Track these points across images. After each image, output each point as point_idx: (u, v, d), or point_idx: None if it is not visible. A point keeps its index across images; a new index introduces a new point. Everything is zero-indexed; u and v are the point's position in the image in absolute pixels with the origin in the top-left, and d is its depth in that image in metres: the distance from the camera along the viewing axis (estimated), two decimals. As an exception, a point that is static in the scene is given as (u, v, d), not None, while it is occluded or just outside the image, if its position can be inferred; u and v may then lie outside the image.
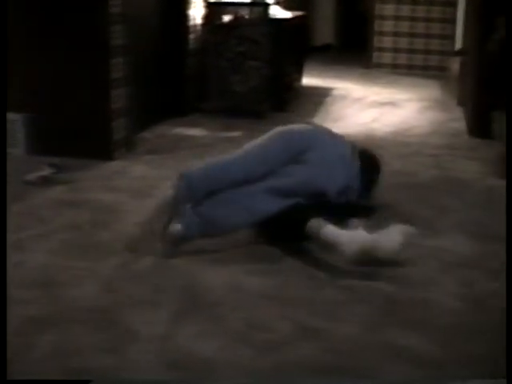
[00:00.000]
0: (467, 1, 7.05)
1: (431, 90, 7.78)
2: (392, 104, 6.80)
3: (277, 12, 6.39)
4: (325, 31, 11.22)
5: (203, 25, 6.09)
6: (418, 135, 5.44)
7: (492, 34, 4.78)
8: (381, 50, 9.47)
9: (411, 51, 9.36)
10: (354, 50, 10.11)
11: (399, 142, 5.17)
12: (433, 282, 2.85)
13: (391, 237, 2.82)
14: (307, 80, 7.70)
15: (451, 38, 8.83)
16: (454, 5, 8.79)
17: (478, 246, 3.23)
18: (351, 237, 2.84)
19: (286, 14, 6.59)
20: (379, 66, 9.45)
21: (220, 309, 2.59)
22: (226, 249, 3.13)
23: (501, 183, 4.18)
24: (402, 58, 9.41)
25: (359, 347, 2.36)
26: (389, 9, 9.35)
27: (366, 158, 3.53)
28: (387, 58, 9.46)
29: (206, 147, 4.88)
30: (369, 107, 6.64)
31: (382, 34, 9.44)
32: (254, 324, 2.49)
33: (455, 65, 7.36)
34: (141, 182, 4.05)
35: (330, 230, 2.90)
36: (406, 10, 9.30)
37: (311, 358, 2.28)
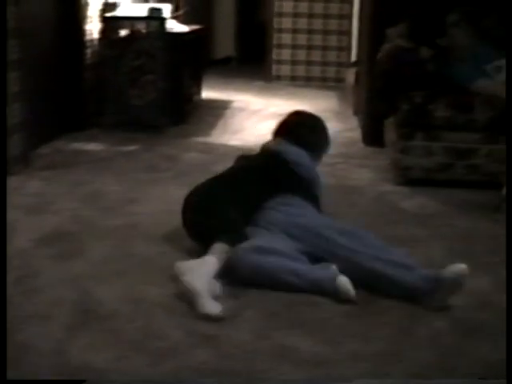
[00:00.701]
0: (360, 13, 7.25)
1: (328, 101, 7.95)
2: (290, 115, 6.90)
3: (173, 26, 6.44)
4: (225, 44, 11.31)
5: (100, 39, 6.08)
6: (314, 145, 5.55)
7: (382, 45, 4.93)
8: (280, 62, 9.61)
9: (309, 63, 9.54)
10: (254, 63, 10.22)
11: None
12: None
13: None
14: (207, 93, 7.76)
15: (347, 49, 9.06)
16: (349, 17, 9.02)
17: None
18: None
19: (183, 28, 6.64)
20: (278, 78, 9.59)
21: (115, 320, 2.61)
22: (121, 261, 3.14)
23: (392, 189, 4.35)
24: (301, 70, 9.58)
25: (250, 351, 2.42)
26: (286, 22, 9.51)
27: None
28: (286, 70, 9.61)
29: (103, 162, 4.87)
30: (267, 119, 6.73)
31: (280, 46, 9.59)
32: (150, 333, 2.51)
33: (351, 76, 7.55)
34: (37, 199, 4.02)
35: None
36: (303, 22, 9.48)
37: (205, 364, 2.32)
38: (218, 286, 2.79)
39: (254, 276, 2.88)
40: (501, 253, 3.39)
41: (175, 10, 6.83)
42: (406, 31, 4.91)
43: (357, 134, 5.84)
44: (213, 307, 2.63)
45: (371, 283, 2.87)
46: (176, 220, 3.42)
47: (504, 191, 3.97)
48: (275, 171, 3.45)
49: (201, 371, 2.29)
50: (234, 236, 3.01)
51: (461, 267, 2.76)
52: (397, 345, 2.52)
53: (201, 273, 2.77)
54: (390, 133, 4.73)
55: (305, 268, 2.91)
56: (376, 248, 2.96)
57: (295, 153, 3.53)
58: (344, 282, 2.79)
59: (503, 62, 4.66)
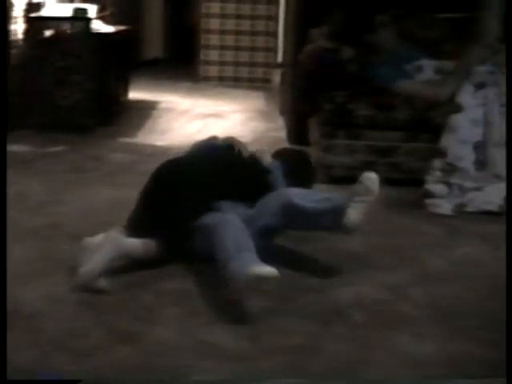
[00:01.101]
0: (286, 15, 7.34)
1: (256, 102, 8.03)
2: (217, 116, 6.97)
3: (99, 27, 6.42)
4: (153, 46, 11.28)
5: (25, 40, 6.02)
6: (240, 145, 5.61)
7: (305, 46, 5.02)
8: (208, 63, 9.64)
9: (237, 64, 9.60)
10: (183, 64, 10.24)
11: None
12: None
13: None
14: (135, 94, 7.75)
15: (274, 50, 9.14)
16: (276, 19, 9.11)
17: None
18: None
19: (109, 29, 6.62)
20: (207, 79, 9.62)
21: (38, 320, 2.61)
22: (44, 260, 3.14)
23: (315, 187, 4.41)
24: (229, 71, 9.63)
25: (172, 347, 2.45)
26: (214, 23, 9.55)
27: None
28: (214, 71, 9.65)
29: (28, 163, 4.84)
30: (195, 119, 6.77)
31: (208, 47, 9.62)
32: (73, 332, 2.52)
33: (277, 76, 7.64)
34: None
35: None
36: (230, 23, 9.53)
37: (128, 361, 2.35)
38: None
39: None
40: (418, 247, 3.52)
41: (101, 10, 6.81)
42: (329, 32, 5.00)
43: (283, 134, 5.91)
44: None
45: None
46: (100, 219, 3.43)
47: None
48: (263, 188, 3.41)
49: (123, 368, 2.31)
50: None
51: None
52: (316, 339, 2.58)
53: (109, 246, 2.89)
54: (313, 132, 4.81)
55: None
56: None
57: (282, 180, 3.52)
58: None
59: (424, 61, 4.81)
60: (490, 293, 3.05)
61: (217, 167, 3.34)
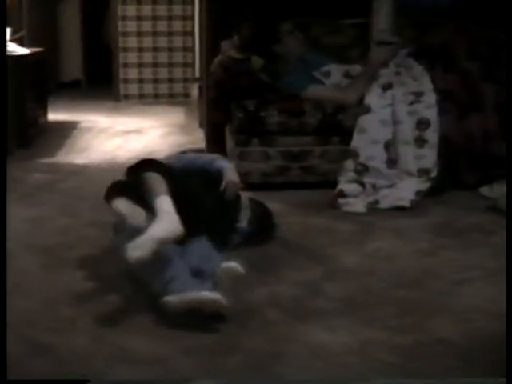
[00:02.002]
0: (200, 29, 7.42)
1: (175, 116, 8.09)
2: (137, 132, 7.01)
3: (14, 49, 6.38)
4: (73, 67, 11.20)
5: None
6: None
7: (215, 58, 5.11)
8: (127, 81, 9.66)
9: (156, 81, 9.65)
10: (103, 84, 10.22)
11: (140, 166, 5.35)
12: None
13: None
14: (55, 115, 7.71)
15: (192, 65, 9.23)
16: (192, 34, 9.20)
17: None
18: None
19: (24, 51, 6.59)
20: (127, 97, 9.64)
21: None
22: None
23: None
24: (148, 88, 9.67)
25: (88, 355, 2.50)
26: (132, 41, 9.58)
27: None
28: (134, 88, 9.67)
29: None
30: (114, 136, 6.79)
31: (127, 65, 9.64)
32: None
33: (195, 90, 7.71)
34: None
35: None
36: (147, 41, 9.57)
37: (45, 371, 2.37)
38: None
39: None
40: (332, 245, 3.62)
41: (15, 32, 6.77)
42: (239, 43, 5.10)
43: (202, 146, 5.97)
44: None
45: None
46: (20, 238, 3.44)
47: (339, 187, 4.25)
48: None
49: (38, 377, 2.34)
50: None
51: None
52: (232, 337, 2.65)
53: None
54: (229, 141, 4.90)
55: None
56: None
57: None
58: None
59: (332, 66, 4.93)
60: (400, 283, 3.16)
61: None
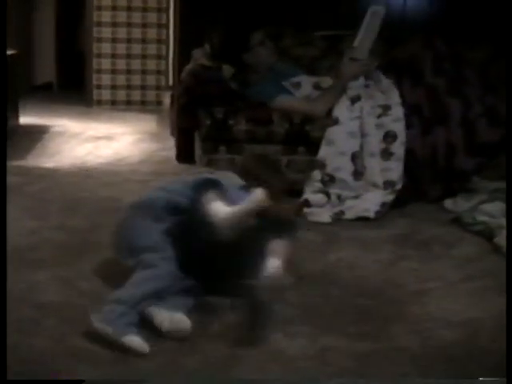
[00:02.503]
0: (174, 37, 7.46)
1: (147, 124, 8.10)
2: (108, 138, 7.02)
3: (-16, 51, 6.39)
4: (45, 70, 11.17)
5: None
6: (128, 164, 5.70)
7: (186, 66, 5.15)
8: (100, 87, 9.66)
9: (129, 87, 9.66)
10: (75, 89, 10.20)
11: (110, 172, 5.39)
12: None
13: None
14: (27, 118, 7.69)
15: (165, 73, 9.26)
16: (166, 42, 9.23)
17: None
18: None
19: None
20: (99, 103, 9.63)
21: None
22: None
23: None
24: (121, 95, 9.67)
25: (51, 354, 2.52)
26: (106, 47, 9.58)
27: None
28: (106, 94, 9.67)
29: None
30: (85, 142, 6.80)
31: (100, 71, 9.64)
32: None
33: (167, 98, 7.75)
34: None
35: None
36: (121, 47, 9.58)
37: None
38: None
39: None
40: (295, 253, 3.65)
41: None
42: (210, 52, 5.15)
43: (172, 153, 6.00)
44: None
45: None
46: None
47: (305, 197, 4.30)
48: None
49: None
50: None
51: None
52: (191, 339, 2.68)
53: None
54: (197, 148, 4.93)
55: None
56: None
57: None
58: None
59: (302, 78, 4.99)
60: (361, 292, 3.21)
61: None
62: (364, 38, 4.68)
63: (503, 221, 4.09)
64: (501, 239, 3.89)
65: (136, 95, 9.67)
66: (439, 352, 2.67)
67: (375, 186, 4.47)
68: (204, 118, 4.58)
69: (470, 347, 2.72)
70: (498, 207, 4.27)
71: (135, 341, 2.56)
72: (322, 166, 4.47)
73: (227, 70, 4.95)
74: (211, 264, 3.01)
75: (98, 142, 6.76)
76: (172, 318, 2.70)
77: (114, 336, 2.56)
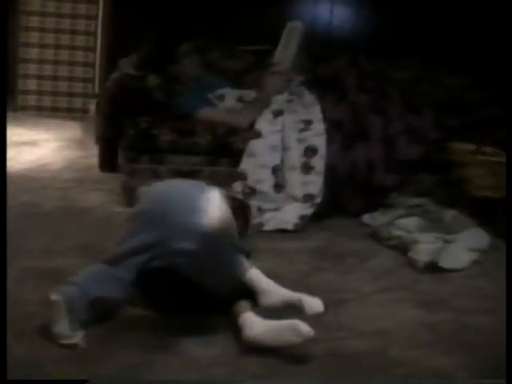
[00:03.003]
0: (101, 46, 7.44)
1: (72, 131, 8.04)
2: (31, 144, 6.94)
3: None
4: (-30, 75, 11.00)
5: None
6: (50, 171, 5.66)
7: (112, 74, 5.14)
8: (26, 92, 9.52)
9: (55, 94, 9.55)
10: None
11: (30, 178, 5.34)
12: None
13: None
14: None
15: (92, 81, 9.19)
16: (94, 49, 9.16)
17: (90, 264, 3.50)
18: None
19: None
20: (25, 108, 9.49)
21: None
22: None
23: (120, 210, 4.54)
24: (47, 101, 9.56)
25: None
26: (33, 52, 9.46)
27: None
28: (32, 100, 9.54)
29: None
30: (8, 147, 6.68)
31: (26, 76, 9.50)
32: None
33: (93, 106, 7.69)
34: None
35: None
36: (49, 53, 9.47)
37: None
38: None
39: None
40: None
41: None
42: (137, 61, 5.15)
43: (95, 161, 5.97)
44: None
45: None
46: None
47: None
48: None
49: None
50: None
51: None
52: (103, 345, 2.69)
53: None
54: (120, 157, 4.93)
55: None
56: None
57: None
58: None
59: (226, 90, 5.05)
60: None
61: None
62: (283, 52, 4.78)
63: (418, 236, 4.21)
64: (414, 253, 3.99)
65: (62, 102, 9.57)
66: (348, 360, 2.73)
67: (295, 198, 4.54)
68: (128, 128, 4.58)
69: (381, 357, 2.79)
70: (413, 222, 4.39)
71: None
72: (243, 177, 4.52)
73: (153, 80, 4.96)
74: None
75: (21, 148, 6.68)
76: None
77: None
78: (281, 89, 4.78)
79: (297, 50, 4.85)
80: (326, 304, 3.24)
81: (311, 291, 3.38)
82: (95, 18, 9.19)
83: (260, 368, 2.61)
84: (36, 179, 5.31)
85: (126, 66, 5.13)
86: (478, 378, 2.54)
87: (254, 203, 4.47)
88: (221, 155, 4.67)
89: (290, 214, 4.44)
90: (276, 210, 4.51)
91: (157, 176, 4.60)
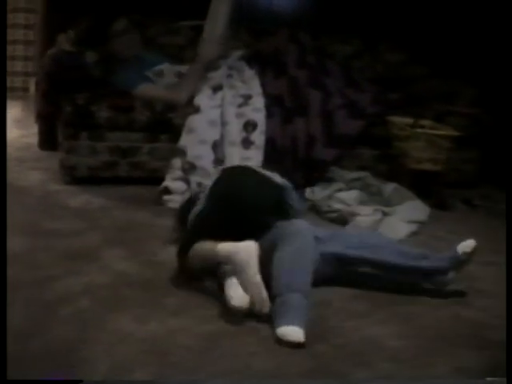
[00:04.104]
0: (39, 23, 7.31)
1: (13, 111, 7.87)
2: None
3: None
4: None
5: None
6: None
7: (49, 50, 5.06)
8: (-35, 72, 9.34)
9: (-4, 73, 9.38)
10: None
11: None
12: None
13: None
14: None
15: (34, 59, 9.03)
16: (34, 27, 9.00)
17: (29, 242, 3.50)
18: None
19: None
20: (-36, 88, 9.32)
21: None
22: None
23: (59, 188, 4.50)
24: (-12, 81, 9.38)
25: None
26: (-28, 31, 9.27)
27: None
28: (-28, 80, 9.36)
29: None
30: None
31: (-35, 56, 9.32)
32: None
33: (33, 84, 7.57)
34: None
35: None
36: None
37: None
38: None
39: None
40: (151, 239, 3.69)
41: None
42: (75, 37, 5.08)
43: (34, 140, 5.90)
44: None
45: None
46: None
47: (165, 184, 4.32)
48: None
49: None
50: None
51: (470, 242, 3.12)
52: (42, 323, 2.67)
53: None
54: (59, 135, 4.87)
55: None
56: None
57: None
58: None
59: (165, 66, 5.01)
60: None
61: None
62: (212, 22, 4.75)
63: (357, 208, 4.25)
64: (353, 226, 4.03)
65: (3, 81, 9.40)
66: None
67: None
68: (65, 105, 4.52)
69: (321, 326, 2.81)
70: (352, 195, 4.43)
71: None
72: (182, 153, 4.50)
73: (91, 56, 4.90)
74: None
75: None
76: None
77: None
78: (212, 56, 4.75)
79: (226, 19, 4.82)
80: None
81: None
82: (35, -5, 9.04)
83: (196, 341, 2.61)
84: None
85: (63, 42, 5.05)
86: (478, 378, 2.53)
87: (194, 179, 4.46)
88: (160, 131, 4.64)
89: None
90: (216, 186, 4.49)
91: (95, 153, 4.56)
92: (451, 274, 3.20)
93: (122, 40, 4.90)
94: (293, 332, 2.64)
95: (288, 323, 2.68)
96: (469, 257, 3.17)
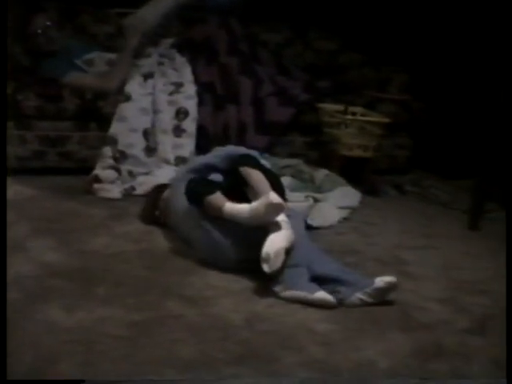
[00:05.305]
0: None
1: None
2: None
3: None
4: None
5: None
6: None
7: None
8: None
9: None
10: None
11: None
12: None
13: None
14: None
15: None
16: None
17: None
18: None
19: None
20: None
21: None
22: None
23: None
24: None
25: None
26: None
27: None
28: None
29: None
30: None
31: None
32: None
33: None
34: None
35: None
36: None
37: None
38: None
39: None
40: (82, 229, 3.65)
41: None
42: None
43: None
44: None
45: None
46: None
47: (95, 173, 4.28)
48: None
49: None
50: None
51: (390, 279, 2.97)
52: None
53: None
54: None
55: None
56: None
57: None
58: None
59: (96, 54, 4.95)
60: (144, 264, 3.25)
61: None
62: (144, 9, 4.74)
63: (288, 195, 4.25)
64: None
65: None
66: (216, 319, 2.75)
67: (167, 162, 4.53)
68: (-9, 93, 4.43)
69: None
70: (284, 182, 4.43)
71: (325, 295, 2.91)
72: (113, 142, 4.46)
73: (18, 45, 4.80)
74: None
75: None
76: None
77: (306, 296, 2.90)
78: (137, 38, 4.70)
79: (165, 11, 4.79)
80: (195, 265, 3.28)
81: (179, 254, 3.42)
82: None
83: (124, 331, 2.60)
84: None
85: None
86: (478, 378, 2.53)
87: (125, 167, 4.43)
88: (90, 120, 4.59)
89: (161, 178, 4.40)
90: (147, 173, 4.48)
91: (24, 142, 4.48)
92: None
93: (41, 39, 4.77)
94: (328, 296, 2.90)
95: (319, 289, 2.92)
96: (386, 285, 2.97)
